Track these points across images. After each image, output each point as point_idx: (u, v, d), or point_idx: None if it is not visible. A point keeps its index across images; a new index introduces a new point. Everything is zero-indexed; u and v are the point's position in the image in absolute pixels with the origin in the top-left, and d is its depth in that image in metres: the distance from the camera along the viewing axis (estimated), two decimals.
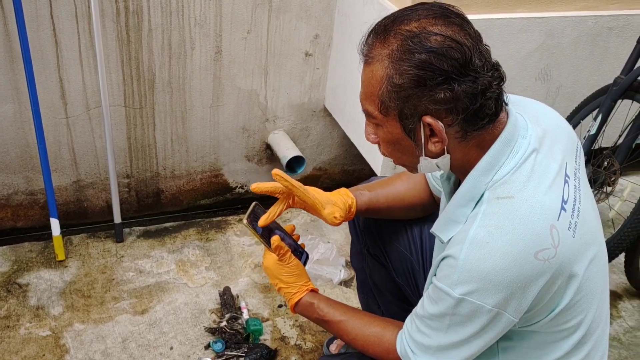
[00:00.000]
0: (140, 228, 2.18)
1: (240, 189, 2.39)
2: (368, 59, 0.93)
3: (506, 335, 1.01)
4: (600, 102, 2.12)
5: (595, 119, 2.10)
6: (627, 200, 2.09)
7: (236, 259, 2.06)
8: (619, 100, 2.09)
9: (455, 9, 0.92)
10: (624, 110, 2.14)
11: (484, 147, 0.95)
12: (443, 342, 0.99)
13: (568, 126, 1.09)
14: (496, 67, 0.91)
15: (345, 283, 1.99)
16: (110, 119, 1.92)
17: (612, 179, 2.09)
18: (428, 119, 0.90)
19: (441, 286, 0.95)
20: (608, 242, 1.95)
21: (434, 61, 0.86)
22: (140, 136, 2.09)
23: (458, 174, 1.02)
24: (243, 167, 2.34)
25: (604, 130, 2.11)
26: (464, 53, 0.86)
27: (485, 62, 0.88)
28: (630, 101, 2.09)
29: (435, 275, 0.99)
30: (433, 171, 1.02)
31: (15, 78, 1.82)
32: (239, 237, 2.17)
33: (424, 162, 0.98)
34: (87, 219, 2.17)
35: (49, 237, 1.99)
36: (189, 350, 1.68)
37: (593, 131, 2.09)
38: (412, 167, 1.03)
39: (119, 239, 2.09)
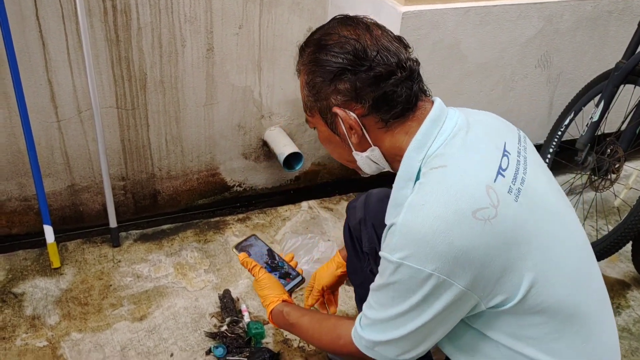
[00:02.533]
0: (137, 231, 2.15)
1: (239, 187, 2.35)
2: (297, 72, 1.08)
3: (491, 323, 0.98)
4: (602, 87, 2.08)
5: (597, 105, 2.06)
6: (633, 188, 2.05)
7: (235, 260, 2.02)
8: (621, 86, 2.04)
9: (363, 18, 1.04)
10: (627, 96, 2.10)
11: (411, 133, 1.00)
12: (388, 314, 0.98)
13: (509, 124, 1.13)
14: (403, 60, 0.99)
15: (347, 281, 1.95)
16: (101, 121, 1.88)
17: (616, 165, 2.04)
18: (336, 110, 1.00)
19: (383, 254, 0.96)
20: (614, 231, 1.91)
21: (329, 57, 0.98)
22: (134, 137, 2.05)
23: (395, 165, 1.04)
24: (240, 165, 2.30)
25: (606, 117, 2.07)
26: (355, 47, 0.97)
27: (381, 54, 0.97)
28: (632, 86, 2.05)
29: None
30: (373, 168, 1.09)
31: (3, 83, 1.78)
32: (237, 238, 2.14)
33: (358, 157, 1.06)
34: (83, 223, 2.13)
35: (44, 243, 1.95)
36: (189, 356, 1.64)
37: (596, 118, 2.05)
38: (355, 166, 1.10)
39: (116, 243, 2.05)
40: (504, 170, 0.96)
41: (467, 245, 0.89)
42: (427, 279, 0.90)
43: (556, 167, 2.30)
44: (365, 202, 1.37)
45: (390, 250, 0.94)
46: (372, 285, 1.02)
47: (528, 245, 0.93)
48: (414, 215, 0.91)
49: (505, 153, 1.00)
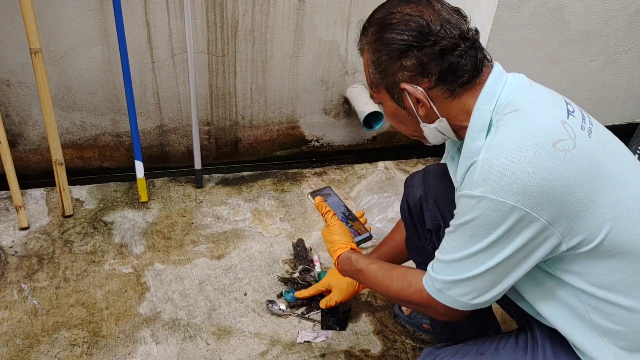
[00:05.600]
0: (219, 175, 2.22)
1: (316, 142, 2.37)
2: (360, 51, 1.09)
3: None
4: None
5: None
6: None
7: (310, 212, 2.06)
8: None
9: None
10: None
11: (476, 94, 1.01)
12: (466, 252, 0.97)
13: None
14: (465, 31, 1.00)
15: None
16: (194, 65, 1.93)
17: None
18: (405, 85, 1.02)
19: (463, 193, 0.96)
20: None
21: (394, 35, 1.00)
22: (222, 84, 2.10)
23: (462, 132, 1.05)
24: (320, 120, 2.31)
25: None
26: (420, 23, 0.98)
27: (444, 28, 0.98)
28: None
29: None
30: (439, 139, 1.09)
31: (104, 20, 1.85)
32: None
33: (426, 129, 1.07)
34: (168, 163, 2.23)
35: (132, 178, 2.06)
36: (262, 297, 1.71)
37: None
38: (421, 137, 1.12)
39: (199, 184, 2.14)
40: (572, 112, 1.00)
41: (550, 175, 0.89)
42: (510, 213, 0.90)
43: None
44: (423, 178, 1.36)
45: (471, 186, 0.94)
46: (447, 230, 1.03)
47: (607, 177, 0.95)
48: (495, 151, 0.93)
49: (568, 102, 1.04)
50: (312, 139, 2.36)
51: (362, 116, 2.14)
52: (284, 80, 2.16)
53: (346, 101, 2.27)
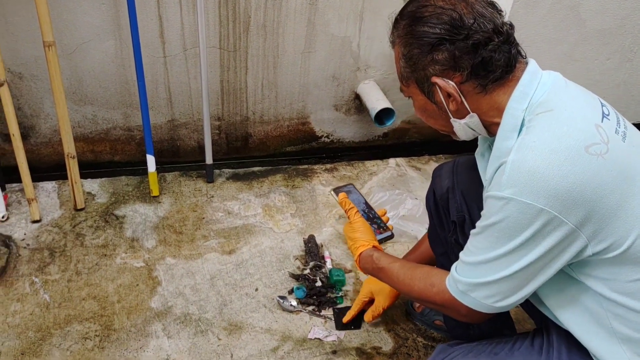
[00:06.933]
0: (230, 170, 2.22)
1: (326, 139, 2.36)
2: (391, 44, 1.08)
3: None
4: None
5: None
6: None
7: (321, 208, 2.06)
8: None
9: None
10: None
11: (510, 92, 0.99)
12: (491, 255, 0.96)
13: None
14: (499, 25, 0.98)
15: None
16: (206, 60, 1.93)
17: None
18: (436, 79, 1.00)
19: (491, 194, 0.95)
20: None
21: (426, 28, 0.98)
22: (233, 79, 2.09)
23: (493, 129, 1.03)
24: (330, 117, 2.30)
25: None
26: (452, 16, 0.97)
27: (478, 21, 0.96)
28: None
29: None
30: (469, 134, 1.08)
31: (117, 14, 1.85)
32: (324, 187, 2.17)
33: (456, 124, 1.06)
34: (178, 158, 2.23)
35: (143, 172, 2.06)
36: (273, 293, 1.71)
37: None
38: (451, 132, 1.11)
39: (210, 179, 2.13)
40: (607, 115, 0.98)
41: (581, 179, 0.88)
42: (538, 216, 0.89)
43: None
44: (453, 169, 1.35)
45: (499, 187, 0.93)
46: (472, 231, 1.02)
47: (638, 183, 0.93)
48: (526, 152, 0.91)
49: (603, 104, 1.02)
50: (322, 135, 2.35)
51: (373, 112, 2.13)
52: (295, 76, 2.15)
53: (357, 97, 2.26)
